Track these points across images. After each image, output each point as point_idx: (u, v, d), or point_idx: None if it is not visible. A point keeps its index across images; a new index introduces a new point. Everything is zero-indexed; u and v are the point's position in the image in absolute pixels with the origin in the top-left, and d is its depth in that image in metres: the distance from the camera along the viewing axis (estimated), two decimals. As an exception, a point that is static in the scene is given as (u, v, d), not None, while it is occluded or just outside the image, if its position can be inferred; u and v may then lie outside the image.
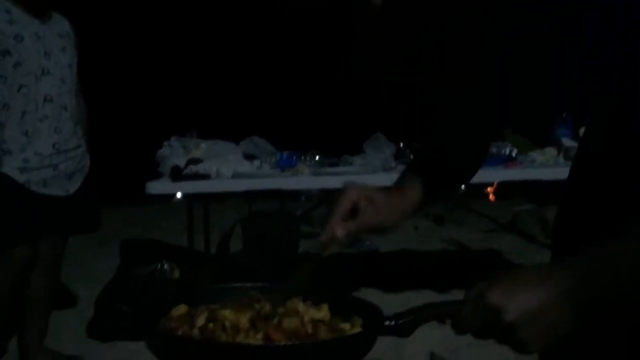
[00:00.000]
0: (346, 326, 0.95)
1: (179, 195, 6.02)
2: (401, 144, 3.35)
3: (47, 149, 2.59)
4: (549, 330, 0.80)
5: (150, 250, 3.35)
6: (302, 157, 3.32)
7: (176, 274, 3.32)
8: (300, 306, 1.00)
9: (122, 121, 6.86)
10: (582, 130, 3.20)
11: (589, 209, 1.02)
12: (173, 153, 3.35)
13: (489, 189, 6.75)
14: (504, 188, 6.49)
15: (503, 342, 0.81)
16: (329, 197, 6.04)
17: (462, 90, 1.18)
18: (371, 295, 3.68)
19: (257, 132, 3.64)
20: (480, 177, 3.31)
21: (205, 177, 3.12)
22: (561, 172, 3.00)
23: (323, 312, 0.98)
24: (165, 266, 3.25)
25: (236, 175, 3.18)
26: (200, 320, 0.92)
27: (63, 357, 2.89)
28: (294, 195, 5.97)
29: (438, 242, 5.23)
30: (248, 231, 4.33)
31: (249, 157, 3.42)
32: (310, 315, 0.96)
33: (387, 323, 0.87)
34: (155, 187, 3.16)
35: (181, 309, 0.99)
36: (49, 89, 2.56)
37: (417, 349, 2.86)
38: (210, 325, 0.91)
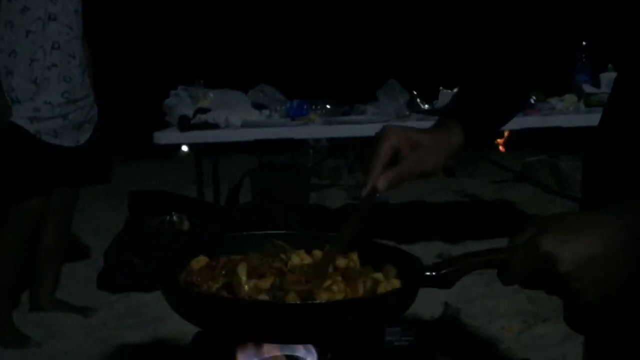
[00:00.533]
0: (379, 276, 0.89)
1: (185, 148, 5.99)
2: (415, 92, 3.25)
3: (57, 98, 2.57)
4: (607, 281, 0.73)
5: (159, 201, 3.30)
6: (313, 106, 3.23)
7: (186, 225, 3.29)
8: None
9: (125, 71, 6.73)
10: (603, 76, 3.10)
11: (621, 156, 0.96)
12: (180, 102, 3.27)
13: (499, 140, 6.66)
14: (514, 139, 6.40)
15: (555, 293, 0.75)
16: (338, 149, 5.99)
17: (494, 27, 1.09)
18: (383, 246, 3.65)
19: (265, 80, 3.55)
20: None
21: (214, 126, 3.05)
22: (582, 119, 2.92)
23: (351, 261, 0.91)
24: (175, 218, 3.21)
25: (246, 125, 3.10)
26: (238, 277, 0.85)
27: (74, 307, 2.89)
28: (302, 147, 5.90)
29: (449, 193, 5.17)
30: (257, 183, 4.28)
31: (258, 106, 3.34)
32: (337, 264, 0.90)
33: (428, 274, 0.79)
34: (163, 137, 3.09)
35: (201, 261, 0.92)
36: (56, 35, 2.53)
37: (431, 299, 2.82)
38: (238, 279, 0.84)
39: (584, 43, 3.22)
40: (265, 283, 0.85)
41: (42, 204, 2.65)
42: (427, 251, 3.58)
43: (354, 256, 0.93)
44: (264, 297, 0.82)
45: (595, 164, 1.05)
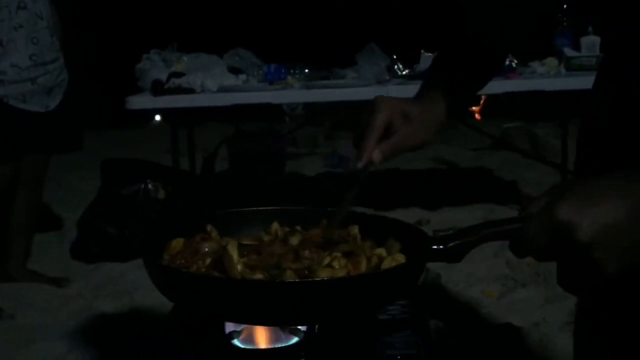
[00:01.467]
0: (381, 252, 0.85)
1: (158, 117, 5.86)
2: (395, 56, 3.19)
3: (24, 61, 2.46)
4: (630, 251, 0.68)
5: (133, 170, 3.22)
6: (291, 70, 3.15)
7: (161, 194, 3.22)
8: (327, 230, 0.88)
9: (95, 34, 6.51)
10: (584, 40, 3.08)
11: (616, 119, 0.93)
12: (153, 67, 3.16)
13: (475, 108, 6.66)
14: (490, 106, 6.41)
15: (573, 264, 0.70)
16: (315, 116, 5.93)
17: None
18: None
19: (241, 43, 3.45)
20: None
21: (189, 91, 2.96)
22: (563, 83, 2.90)
23: (351, 235, 0.88)
24: (150, 186, 3.14)
25: (222, 90, 3.02)
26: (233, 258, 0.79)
27: (47, 278, 2.83)
28: (278, 115, 5.82)
29: (426, 160, 5.16)
30: (233, 151, 4.20)
31: (235, 70, 3.25)
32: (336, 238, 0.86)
33: (435, 247, 0.75)
34: (136, 102, 2.99)
35: (180, 243, 0.87)
36: None
37: (411, 265, 2.82)
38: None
39: (564, 6, 3.20)
40: (259, 261, 0.80)
41: (11, 171, 2.56)
42: (405, 218, 3.53)
43: (354, 230, 0.89)
44: (258, 276, 0.77)
45: (588, 125, 1.02)
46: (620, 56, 0.96)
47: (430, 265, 2.86)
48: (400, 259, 0.82)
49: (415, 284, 0.81)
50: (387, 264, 0.81)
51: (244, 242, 0.86)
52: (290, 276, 0.76)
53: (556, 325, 2.27)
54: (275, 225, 0.92)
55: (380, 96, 0.92)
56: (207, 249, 0.85)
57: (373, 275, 0.79)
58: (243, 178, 3.84)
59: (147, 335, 1.11)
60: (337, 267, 0.78)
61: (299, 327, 0.93)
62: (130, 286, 2.77)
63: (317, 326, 0.94)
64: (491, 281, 2.71)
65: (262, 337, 0.91)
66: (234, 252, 0.79)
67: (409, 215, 3.62)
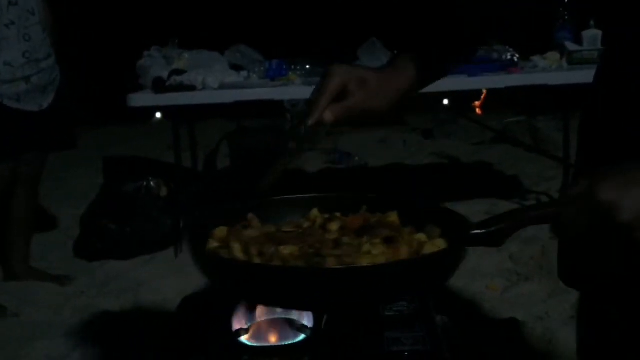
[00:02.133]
0: (422, 237, 0.84)
1: (158, 115, 5.85)
2: (396, 51, 3.18)
3: (18, 59, 2.43)
4: None
5: (135, 167, 3.22)
6: (292, 66, 3.14)
7: (163, 191, 3.22)
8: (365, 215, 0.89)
9: (96, 31, 6.50)
10: (585, 33, 3.07)
11: (616, 114, 0.93)
12: (154, 64, 3.15)
13: (476, 103, 6.65)
14: (491, 101, 6.39)
15: (613, 246, 0.71)
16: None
17: None
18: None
19: (243, 40, 3.44)
20: (482, 83, 3.16)
21: (190, 88, 2.95)
22: (564, 77, 2.89)
23: (390, 220, 0.87)
24: (152, 183, 3.14)
25: (223, 87, 3.01)
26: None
27: (51, 276, 2.83)
28: (279, 112, 5.81)
29: (428, 155, 5.16)
30: (235, 147, 4.20)
31: (236, 67, 3.24)
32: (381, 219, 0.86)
33: (475, 232, 0.74)
34: (138, 99, 2.98)
35: (223, 231, 0.86)
36: None
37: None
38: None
39: (566, 0, 3.18)
40: (297, 249, 0.80)
41: (9, 171, 2.56)
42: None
43: (394, 215, 0.89)
44: (300, 263, 0.77)
45: (592, 122, 1.02)
46: (620, 55, 0.95)
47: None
48: (441, 244, 0.81)
49: (456, 270, 0.79)
50: (427, 249, 0.80)
51: (285, 230, 0.86)
52: (331, 263, 0.75)
53: (560, 319, 2.27)
54: (315, 212, 0.92)
55: (337, 63, 0.92)
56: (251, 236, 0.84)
57: (413, 261, 0.78)
58: (245, 173, 3.83)
59: (154, 333, 1.10)
60: (376, 253, 0.78)
61: (306, 324, 0.93)
62: (133, 283, 2.78)
63: (323, 323, 0.94)
64: (495, 276, 2.71)
65: (269, 334, 0.91)
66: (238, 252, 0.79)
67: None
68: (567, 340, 2.06)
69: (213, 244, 0.84)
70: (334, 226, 0.86)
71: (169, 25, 4.90)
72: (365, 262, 0.76)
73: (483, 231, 0.75)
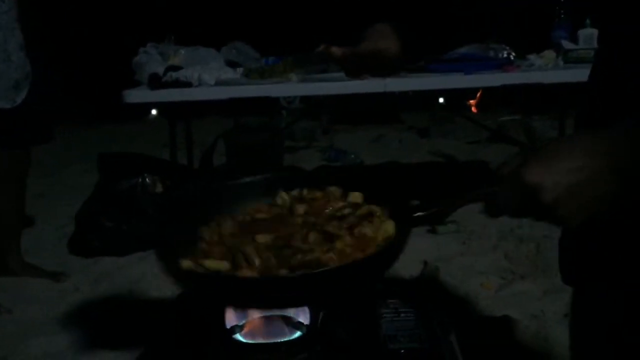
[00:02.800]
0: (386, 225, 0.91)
1: (154, 112, 5.84)
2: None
3: None
4: (591, 205, 0.74)
5: (130, 164, 3.20)
6: (289, 63, 3.13)
7: (159, 188, 3.20)
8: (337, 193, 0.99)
9: (91, 27, 6.47)
10: (581, 32, 3.07)
11: (610, 113, 0.94)
12: (150, 60, 3.14)
13: (471, 101, 6.65)
14: (486, 100, 6.40)
15: (543, 219, 0.76)
16: (312, 110, 5.91)
17: None
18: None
19: (239, 36, 3.43)
20: (478, 81, 3.14)
21: (186, 84, 2.93)
22: (560, 75, 2.90)
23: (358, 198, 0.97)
24: (148, 180, 3.12)
25: (219, 83, 3.00)
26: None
27: (45, 272, 2.82)
28: (275, 109, 5.81)
29: (423, 154, 5.16)
30: (231, 144, 4.19)
31: (232, 64, 3.23)
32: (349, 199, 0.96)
33: (417, 214, 0.83)
34: (133, 95, 2.97)
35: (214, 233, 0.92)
36: None
37: (410, 258, 2.82)
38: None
39: (562, -1, 3.19)
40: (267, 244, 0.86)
41: None
42: (404, 211, 3.56)
43: (358, 196, 0.98)
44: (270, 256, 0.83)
45: (586, 121, 1.03)
46: (615, 53, 0.96)
47: (429, 258, 2.87)
48: (390, 227, 0.89)
49: (402, 251, 0.86)
50: (381, 233, 0.88)
51: (258, 217, 0.93)
52: (297, 261, 0.82)
53: (554, 317, 2.28)
54: (282, 196, 0.98)
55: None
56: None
57: (363, 260, 0.83)
58: (241, 171, 3.83)
59: (149, 330, 1.10)
60: (340, 247, 0.85)
61: (302, 321, 0.93)
62: (128, 280, 2.77)
63: (319, 320, 0.94)
64: (490, 274, 2.72)
65: (264, 331, 0.91)
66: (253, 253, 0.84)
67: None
68: (561, 338, 2.07)
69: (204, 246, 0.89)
70: (301, 210, 0.93)
71: (165, 21, 4.88)
72: (328, 259, 0.82)
73: (425, 213, 0.83)
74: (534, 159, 0.75)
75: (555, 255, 1.16)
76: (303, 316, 0.94)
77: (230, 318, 0.92)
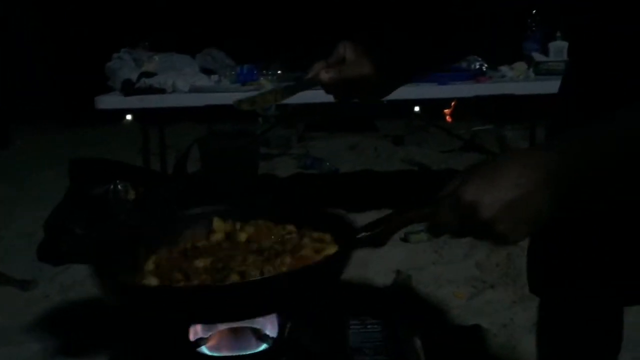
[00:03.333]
0: (322, 244, 0.93)
1: (128, 117, 5.80)
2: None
3: None
4: (529, 221, 0.76)
5: (102, 170, 3.17)
6: (264, 71, 3.14)
7: (131, 194, 3.17)
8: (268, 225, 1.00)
9: (64, 32, 6.39)
10: (552, 45, 3.13)
11: (580, 119, 0.97)
12: (124, 66, 3.12)
13: (446, 111, 6.72)
14: (462, 109, 6.47)
15: (483, 237, 0.78)
16: (287, 118, 5.91)
17: None
18: (333, 215, 3.64)
19: (214, 43, 3.42)
20: (451, 91, 3.20)
21: (160, 91, 2.92)
22: (531, 87, 2.95)
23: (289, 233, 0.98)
24: (120, 186, 3.09)
25: (193, 90, 2.99)
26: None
27: (13, 280, 2.77)
28: (251, 116, 5.80)
29: (398, 162, 5.19)
30: (206, 151, 4.17)
31: (207, 71, 3.23)
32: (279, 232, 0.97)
33: (360, 236, 0.83)
34: (106, 101, 2.94)
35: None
36: None
37: (382, 267, 2.84)
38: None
39: (534, 12, 3.25)
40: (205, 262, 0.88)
41: None
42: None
43: (292, 228, 0.99)
44: (207, 278, 0.85)
45: (556, 124, 1.06)
46: (584, 66, 0.98)
47: (401, 267, 2.88)
48: (332, 250, 0.90)
49: (343, 272, 0.87)
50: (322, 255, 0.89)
51: (198, 244, 0.95)
52: (234, 278, 0.83)
53: (524, 326, 2.31)
54: (219, 224, 1.01)
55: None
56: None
57: (303, 270, 0.84)
58: (216, 178, 3.81)
59: (114, 342, 1.09)
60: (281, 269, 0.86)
61: (269, 333, 0.92)
62: (98, 288, 2.73)
63: (286, 332, 0.94)
64: (461, 283, 2.74)
65: (229, 344, 0.91)
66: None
67: (379, 216, 3.63)
68: (530, 347, 2.08)
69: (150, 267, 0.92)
70: (243, 237, 0.95)
71: (139, 27, 4.85)
72: (266, 273, 0.84)
73: (367, 234, 0.84)
74: (472, 178, 0.77)
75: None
76: (270, 328, 0.94)
77: (196, 330, 0.92)
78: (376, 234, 0.83)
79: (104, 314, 2.54)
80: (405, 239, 3.14)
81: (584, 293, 1.01)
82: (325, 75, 0.99)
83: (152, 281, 0.84)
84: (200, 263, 0.85)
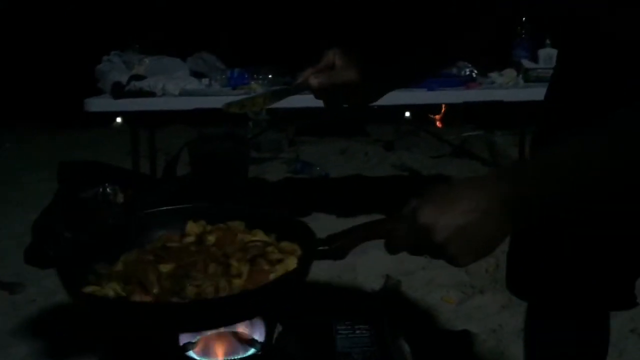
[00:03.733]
0: (289, 262, 0.92)
1: (119, 120, 5.78)
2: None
3: None
4: (480, 246, 0.79)
5: (91, 172, 3.15)
6: (255, 75, 3.14)
7: (120, 197, 3.16)
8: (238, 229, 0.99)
9: (53, 34, 6.37)
10: (541, 52, 3.16)
11: (565, 127, 0.98)
12: (113, 69, 3.11)
13: (436, 116, 6.76)
14: (450, 115, 6.50)
15: (437, 258, 0.81)
16: (278, 121, 5.91)
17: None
18: (323, 220, 3.64)
19: (205, 47, 3.42)
20: (441, 97, 3.21)
21: (150, 94, 2.91)
22: (521, 94, 2.97)
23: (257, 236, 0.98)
24: (109, 189, 3.08)
25: (184, 93, 2.99)
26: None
27: (1, 283, 2.75)
28: (241, 120, 5.79)
29: (388, 167, 5.21)
30: (195, 154, 4.15)
31: (197, 74, 3.22)
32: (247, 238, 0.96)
33: (321, 248, 0.85)
34: (95, 104, 2.93)
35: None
36: None
37: (371, 272, 2.84)
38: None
39: (523, 19, 3.27)
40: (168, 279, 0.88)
41: None
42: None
43: (259, 232, 0.98)
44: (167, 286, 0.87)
45: (541, 132, 1.07)
46: (570, 73, 0.99)
47: (391, 272, 2.89)
48: (291, 263, 0.91)
49: (303, 284, 0.89)
50: (282, 267, 0.91)
51: (169, 245, 0.95)
52: (190, 292, 0.84)
53: (513, 331, 2.31)
54: (192, 226, 1.00)
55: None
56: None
57: (263, 288, 0.85)
58: (205, 181, 3.80)
59: (102, 345, 1.09)
60: (237, 282, 0.87)
61: (257, 338, 0.92)
62: (86, 292, 2.72)
63: (274, 337, 0.94)
64: (450, 288, 2.74)
65: (217, 349, 0.91)
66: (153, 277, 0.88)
67: (371, 220, 3.63)
68: (519, 352, 2.09)
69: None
70: (211, 239, 0.95)
71: (129, 30, 4.84)
72: (221, 290, 0.85)
73: (327, 248, 0.85)
74: (429, 201, 0.79)
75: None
76: (258, 333, 0.93)
77: (184, 334, 0.92)
78: (336, 247, 0.85)
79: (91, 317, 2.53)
80: (395, 244, 3.15)
81: (566, 298, 1.02)
82: (314, 81, 1.01)
83: (114, 286, 0.86)
84: (164, 268, 0.87)
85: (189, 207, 1.03)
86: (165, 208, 1.05)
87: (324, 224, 3.38)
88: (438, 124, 6.69)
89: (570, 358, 1.08)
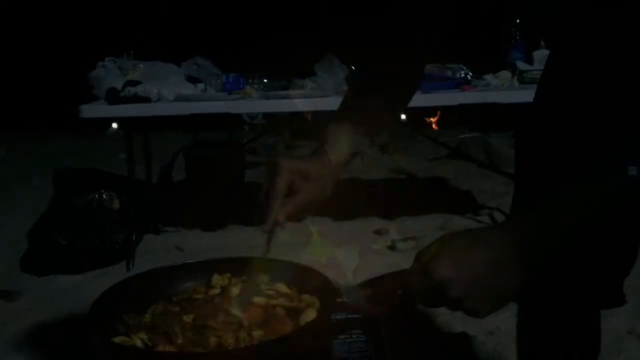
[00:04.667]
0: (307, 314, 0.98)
1: (114, 125, 5.77)
2: (353, 67, 3.21)
3: None
4: (497, 296, 0.80)
5: (86, 179, 3.15)
6: (250, 80, 3.15)
7: (116, 204, 3.16)
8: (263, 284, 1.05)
9: (48, 40, 6.36)
10: (536, 53, 3.17)
11: (552, 132, 0.99)
12: (108, 74, 3.11)
13: (432, 119, 6.77)
14: (446, 117, 6.51)
15: (455, 310, 0.82)
16: (274, 126, 5.91)
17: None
18: (320, 223, 3.63)
19: (200, 52, 3.42)
20: (436, 100, 3.21)
21: (145, 100, 2.91)
22: (516, 96, 2.98)
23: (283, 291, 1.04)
24: (104, 196, 3.08)
25: (179, 98, 2.98)
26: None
27: (-4, 292, 2.74)
28: (237, 124, 5.80)
29: (385, 170, 5.21)
30: (191, 160, 4.15)
31: (193, 79, 3.22)
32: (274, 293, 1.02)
33: (339, 300, 0.90)
34: (90, 110, 2.93)
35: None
36: None
37: (369, 275, 2.83)
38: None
39: (517, 21, 3.28)
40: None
41: None
42: (363, 227, 3.59)
43: (283, 287, 1.04)
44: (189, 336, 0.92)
45: (528, 139, 1.07)
46: (558, 74, 1.00)
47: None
48: (310, 315, 0.96)
49: (326, 333, 0.94)
50: (302, 318, 0.95)
51: (194, 297, 1.02)
52: (212, 342, 0.89)
53: (510, 333, 2.31)
54: (217, 279, 1.07)
55: (281, 159, 1.04)
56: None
57: (288, 336, 0.90)
58: (201, 186, 3.80)
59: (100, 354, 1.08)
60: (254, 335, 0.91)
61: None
62: (84, 299, 2.69)
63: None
64: (448, 290, 2.74)
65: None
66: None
67: (367, 225, 3.63)
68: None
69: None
70: (236, 291, 1.01)
71: (124, 35, 4.84)
72: (235, 343, 0.88)
73: (344, 300, 0.91)
74: (444, 253, 0.80)
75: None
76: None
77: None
78: (353, 299, 0.89)
79: (88, 327, 2.51)
80: (392, 247, 3.14)
81: (557, 296, 1.02)
82: (282, 218, 1.00)
83: (141, 336, 0.89)
84: (187, 318, 0.92)
85: (214, 259, 1.09)
86: (191, 261, 1.09)
87: (320, 228, 3.39)
88: (434, 126, 6.70)
89: (562, 357, 1.09)
